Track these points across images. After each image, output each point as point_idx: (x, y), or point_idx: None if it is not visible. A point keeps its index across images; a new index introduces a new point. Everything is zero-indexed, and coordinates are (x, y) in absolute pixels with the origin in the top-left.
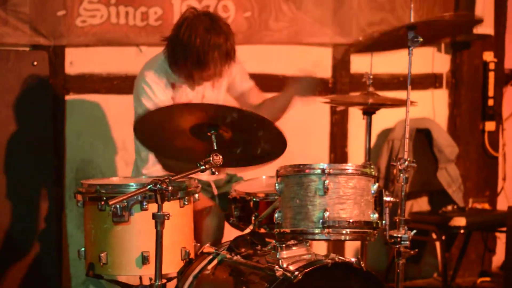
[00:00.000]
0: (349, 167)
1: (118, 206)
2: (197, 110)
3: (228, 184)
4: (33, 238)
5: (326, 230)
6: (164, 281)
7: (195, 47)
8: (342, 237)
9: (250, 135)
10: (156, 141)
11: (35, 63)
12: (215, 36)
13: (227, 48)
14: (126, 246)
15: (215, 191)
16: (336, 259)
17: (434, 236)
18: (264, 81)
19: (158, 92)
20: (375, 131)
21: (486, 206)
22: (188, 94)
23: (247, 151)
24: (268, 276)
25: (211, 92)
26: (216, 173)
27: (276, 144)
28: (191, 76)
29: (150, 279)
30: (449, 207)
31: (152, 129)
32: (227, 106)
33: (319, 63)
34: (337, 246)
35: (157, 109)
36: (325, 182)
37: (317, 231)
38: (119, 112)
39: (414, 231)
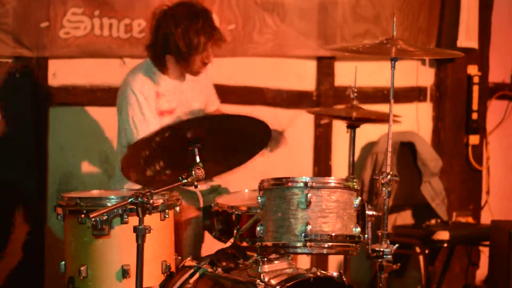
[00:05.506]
0: (332, 180)
1: (98, 219)
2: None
3: (212, 194)
4: (15, 249)
5: (308, 244)
6: None
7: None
8: (324, 251)
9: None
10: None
11: (18, 74)
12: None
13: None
14: (106, 260)
15: (201, 203)
16: (318, 273)
17: (417, 249)
18: (248, 94)
19: (145, 104)
20: (360, 144)
21: (470, 219)
22: (171, 102)
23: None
24: None
25: (193, 88)
26: (198, 186)
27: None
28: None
29: None
30: (433, 221)
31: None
32: (197, 117)
33: (303, 75)
34: (320, 259)
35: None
36: (308, 195)
37: (299, 244)
38: (102, 124)
39: (397, 245)
